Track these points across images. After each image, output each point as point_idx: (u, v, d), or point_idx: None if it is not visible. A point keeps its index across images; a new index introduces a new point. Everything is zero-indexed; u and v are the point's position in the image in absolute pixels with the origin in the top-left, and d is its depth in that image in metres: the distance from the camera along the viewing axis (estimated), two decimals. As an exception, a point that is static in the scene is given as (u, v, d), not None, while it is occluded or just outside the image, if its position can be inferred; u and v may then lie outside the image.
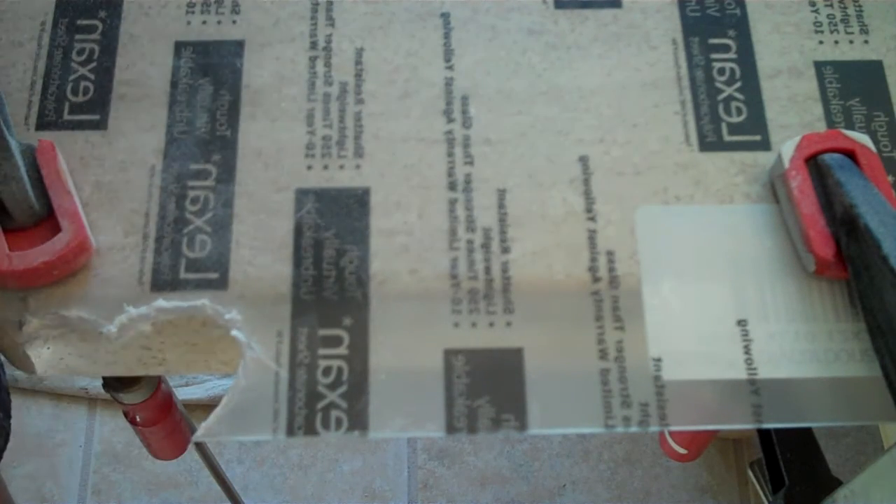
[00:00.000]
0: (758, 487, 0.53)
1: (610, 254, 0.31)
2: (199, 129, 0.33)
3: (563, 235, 0.32)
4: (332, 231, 0.32)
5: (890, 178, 0.32)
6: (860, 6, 0.36)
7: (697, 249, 0.31)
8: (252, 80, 0.34)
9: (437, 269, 0.31)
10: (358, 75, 0.34)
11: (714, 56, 0.35)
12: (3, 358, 0.31)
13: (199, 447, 0.56)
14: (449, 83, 0.34)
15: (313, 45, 0.35)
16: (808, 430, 0.49)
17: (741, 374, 0.30)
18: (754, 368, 0.30)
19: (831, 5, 0.36)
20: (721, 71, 0.34)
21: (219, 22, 0.35)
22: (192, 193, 0.32)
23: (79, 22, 0.35)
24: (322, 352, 0.30)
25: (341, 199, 0.32)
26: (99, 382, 0.45)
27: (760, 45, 0.35)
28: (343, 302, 0.31)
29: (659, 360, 0.30)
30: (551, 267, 0.31)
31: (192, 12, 0.35)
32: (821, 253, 0.30)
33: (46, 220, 0.31)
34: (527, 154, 0.33)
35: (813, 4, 0.36)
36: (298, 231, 0.32)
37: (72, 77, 0.34)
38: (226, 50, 0.34)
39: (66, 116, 0.33)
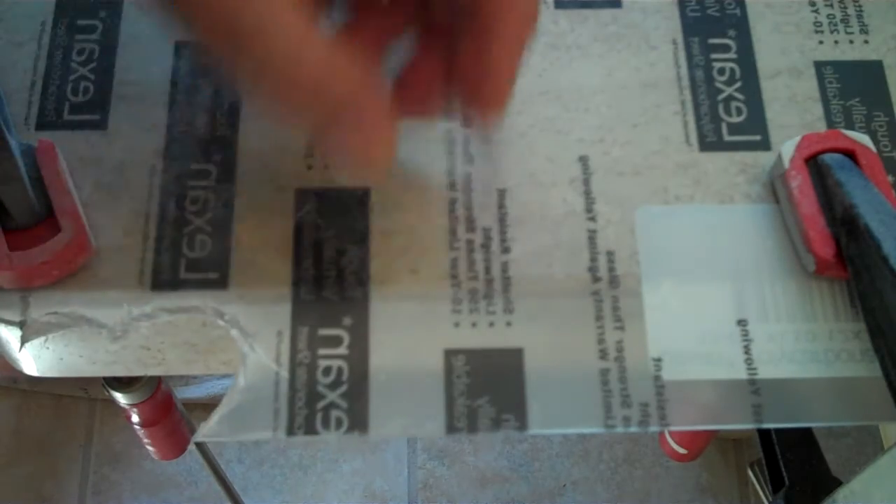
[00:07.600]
0: (758, 487, 0.54)
1: (610, 254, 0.31)
2: (199, 129, 0.33)
3: (563, 235, 0.32)
4: (333, 231, 0.32)
5: (890, 178, 0.32)
6: (860, 6, 0.36)
7: (697, 249, 0.31)
8: (252, 80, 0.34)
9: (437, 269, 0.31)
10: (358, 75, 0.34)
11: (714, 56, 0.34)
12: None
13: (199, 447, 0.56)
14: (449, 83, 0.34)
15: (313, 45, 0.34)
16: (808, 430, 0.49)
17: (741, 374, 0.30)
18: (754, 368, 0.30)
19: (831, 5, 0.36)
20: (721, 71, 0.34)
21: (219, 22, 0.35)
22: (192, 193, 0.32)
23: (79, 22, 0.35)
24: (322, 352, 0.30)
25: (342, 199, 0.32)
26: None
27: (760, 45, 0.35)
28: (343, 302, 0.31)
29: (659, 360, 0.30)
30: (551, 267, 0.31)
31: (192, 12, 0.35)
32: (821, 253, 0.30)
33: (46, 220, 0.30)
34: (527, 154, 0.33)
35: (813, 4, 0.36)
36: (299, 231, 0.32)
37: (72, 77, 0.34)
38: (226, 50, 0.34)
39: (66, 116, 0.33)
